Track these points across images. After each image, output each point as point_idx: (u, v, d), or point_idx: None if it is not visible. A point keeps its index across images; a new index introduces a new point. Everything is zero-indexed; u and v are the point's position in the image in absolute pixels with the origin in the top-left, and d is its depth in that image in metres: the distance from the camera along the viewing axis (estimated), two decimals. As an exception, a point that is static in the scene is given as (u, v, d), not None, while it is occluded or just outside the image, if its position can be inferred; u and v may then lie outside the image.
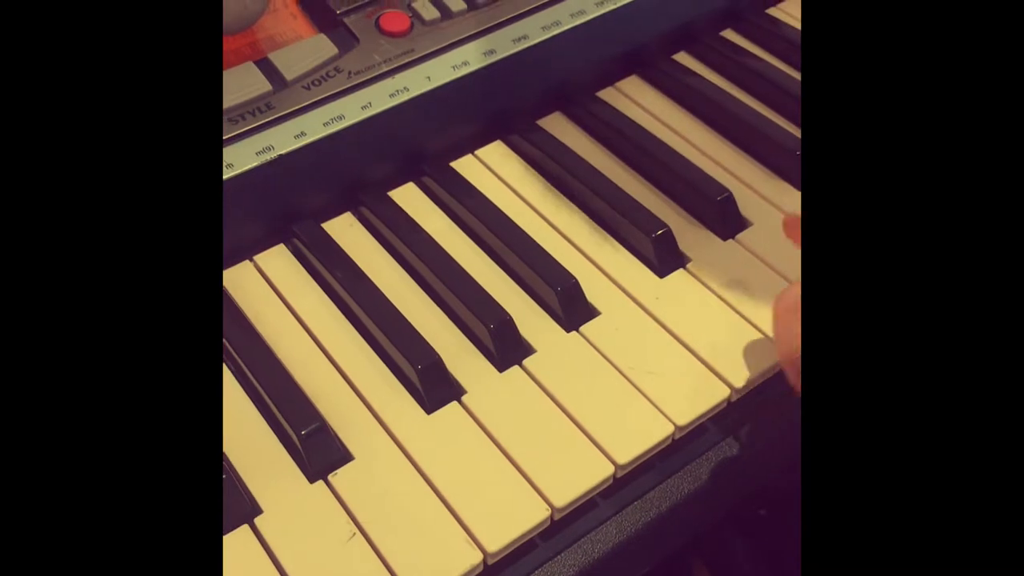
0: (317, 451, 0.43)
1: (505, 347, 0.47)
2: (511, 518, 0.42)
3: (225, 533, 0.41)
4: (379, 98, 0.54)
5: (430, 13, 0.57)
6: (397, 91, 0.54)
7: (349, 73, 0.54)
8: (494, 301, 0.49)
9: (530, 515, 0.42)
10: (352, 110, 0.53)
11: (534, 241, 0.52)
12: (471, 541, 0.41)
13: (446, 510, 0.42)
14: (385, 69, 0.55)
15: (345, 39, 0.55)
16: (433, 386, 0.46)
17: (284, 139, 0.52)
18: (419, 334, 0.47)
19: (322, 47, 0.55)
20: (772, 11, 0.67)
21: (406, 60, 0.55)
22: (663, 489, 0.45)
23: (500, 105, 0.58)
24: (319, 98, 0.53)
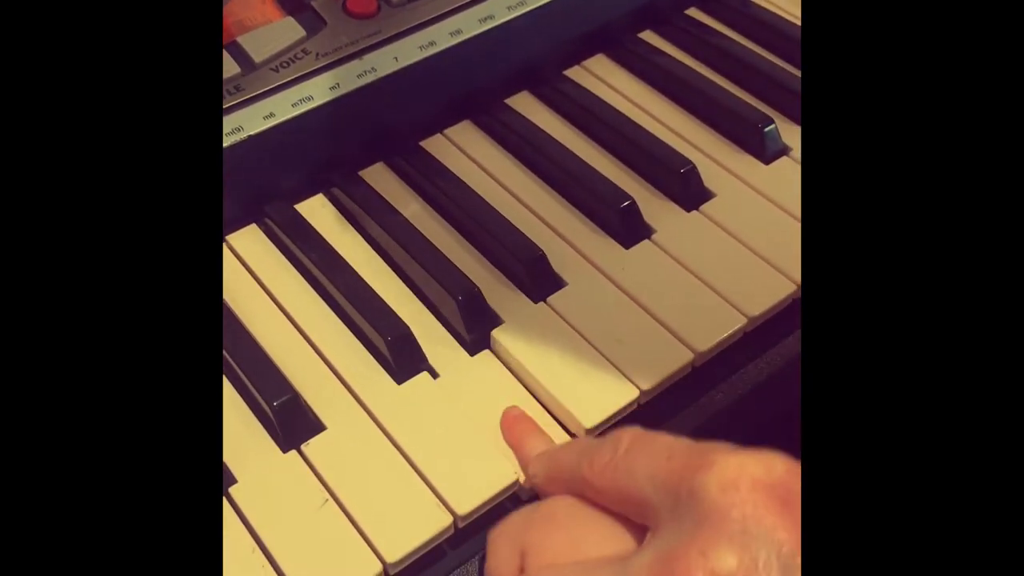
0: (289, 421, 0.44)
1: (472, 318, 0.48)
2: (481, 482, 0.43)
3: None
4: (347, 79, 0.55)
5: (397, -5, 0.57)
6: (365, 72, 0.55)
7: (317, 55, 0.55)
8: (461, 273, 0.49)
9: (499, 478, 0.43)
10: (320, 91, 0.54)
11: (502, 216, 0.53)
12: (441, 505, 0.42)
13: (416, 476, 0.43)
14: (353, 50, 0.55)
15: (313, 21, 0.56)
16: (403, 357, 0.47)
17: (253, 120, 0.53)
18: (389, 307, 0.48)
19: (290, 30, 0.55)
20: (736, -11, 0.68)
21: (373, 41, 0.56)
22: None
23: (468, 85, 0.59)
24: (288, 80, 0.54)
